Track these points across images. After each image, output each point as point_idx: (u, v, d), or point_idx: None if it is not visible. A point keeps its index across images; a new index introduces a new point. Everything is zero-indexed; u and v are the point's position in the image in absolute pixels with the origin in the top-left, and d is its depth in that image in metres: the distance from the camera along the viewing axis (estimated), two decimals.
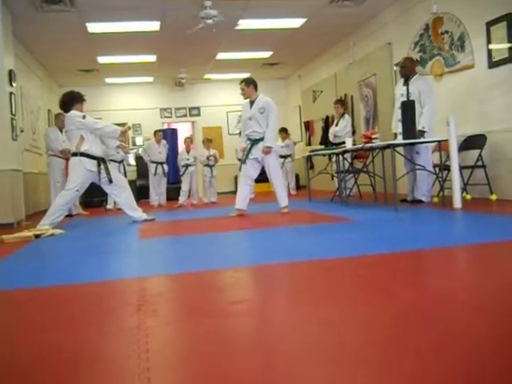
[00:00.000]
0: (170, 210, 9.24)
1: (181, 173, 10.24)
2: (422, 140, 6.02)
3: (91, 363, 1.64)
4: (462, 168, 6.08)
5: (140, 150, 13.70)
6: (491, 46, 6.40)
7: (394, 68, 8.46)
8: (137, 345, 1.75)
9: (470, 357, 1.49)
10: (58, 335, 1.96)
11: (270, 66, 12.60)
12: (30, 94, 9.84)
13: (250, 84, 6.59)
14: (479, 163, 6.25)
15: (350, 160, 8.05)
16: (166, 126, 14.18)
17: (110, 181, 6.35)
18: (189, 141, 10.49)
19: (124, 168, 9.54)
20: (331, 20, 9.17)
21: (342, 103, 9.29)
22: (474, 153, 6.37)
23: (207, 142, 10.41)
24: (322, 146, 9.54)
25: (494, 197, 6.14)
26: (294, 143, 11.85)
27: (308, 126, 13.19)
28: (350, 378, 1.40)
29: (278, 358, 1.58)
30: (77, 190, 6.23)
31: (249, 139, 6.63)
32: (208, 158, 10.21)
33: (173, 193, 10.94)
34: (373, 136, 6.59)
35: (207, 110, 14.48)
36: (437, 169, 6.38)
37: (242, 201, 6.63)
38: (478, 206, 5.73)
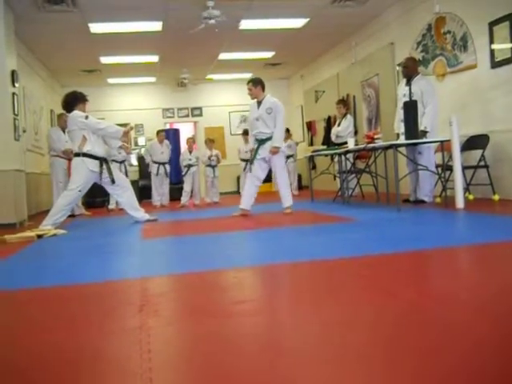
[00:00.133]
0: (172, 210, 9.24)
1: (183, 173, 10.25)
2: (424, 140, 6.01)
3: (93, 363, 1.64)
4: (464, 168, 6.07)
5: (142, 150, 13.73)
6: (494, 46, 6.39)
7: (397, 68, 8.45)
8: (139, 345, 1.75)
9: (471, 357, 1.48)
10: (60, 335, 1.96)
11: (272, 66, 12.60)
12: (33, 94, 9.85)
13: (257, 84, 6.57)
14: (482, 163, 6.24)
15: (352, 160, 8.04)
16: (168, 127, 14.19)
17: (113, 181, 6.35)
18: (191, 141, 10.50)
19: (125, 168, 9.54)
20: (333, 20, 9.17)
21: (345, 103, 9.28)
22: (477, 153, 6.36)
23: (209, 143, 10.42)
24: (324, 147, 9.54)
25: (496, 197, 6.13)
26: (296, 143, 11.86)
27: (310, 126, 13.19)
28: (352, 377, 1.40)
29: (280, 358, 1.58)
30: (79, 191, 6.23)
31: (255, 139, 6.63)
32: (210, 158, 10.22)
33: (175, 193, 10.94)
34: (375, 136, 6.58)
35: (209, 111, 14.49)
36: (439, 169, 6.37)
37: (246, 201, 6.64)
38: (481, 207, 5.72)
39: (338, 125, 9.02)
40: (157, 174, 10.26)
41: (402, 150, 6.45)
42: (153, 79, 13.42)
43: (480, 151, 6.29)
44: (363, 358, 1.53)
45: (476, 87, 6.78)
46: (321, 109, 12.31)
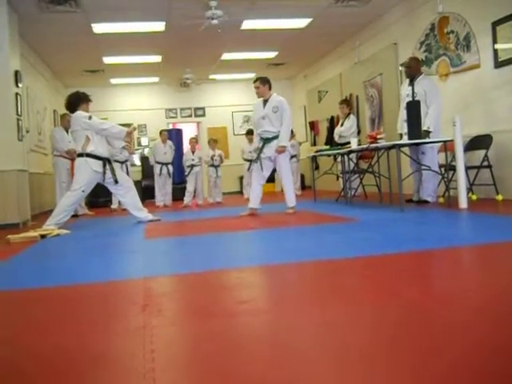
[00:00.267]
0: (175, 210, 9.25)
1: (186, 173, 10.25)
2: (427, 140, 6.01)
3: (96, 363, 1.64)
4: (467, 168, 6.06)
5: (145, 150, 13.76)
6: (497, 46, 6.38)
7: (400, 68, 8.44)
8: (142, 345, 1.75)
9: (473, 357, 1.48)
10: (63, 335, 1.96)
11: (275, 66, 12.60)
12: (36, 94, 9.87)
13: (265, 83, 6.57)
14: (485, 163, 6.23)
15: (355, 160, 8.04)
16: (171, 127, 14.20)
17: (116, 181, 6.36)
18: (194, 141, 10.51)
19: (127, 168, 9.54)
20: (337, 20, 9.16)
21: (348, 103, 9.28)
22: (480, 153, 6.35)
23: (212, 143, 10.42)
24: (327, 147, 9.53)
25: (500, 197, 6.12)
26: (300, 143, 11.85)
27: (313, 126, 13.18)
28: (355, 377, 1.40)
29: (283, 358, 1.58)
30: (82, 191, 6.24)
31: (261, 138, 6.62)
32: (213, 158, 10.22)
33: (178, 193, 10.95)
34: (378, 136, 6.57)
35: (212, 111, 14.49)
36: (442, 169, 6.36)
37: (255, 200, 6.64)
38: (484, 207, 5.71)
39: (341, 125, 9.01)
40: (160, 174, 10.27)
41: (405, 150, 6.44)
42: (156, 79, 13.44)
43: (483, 151, 6.28)
44: (366, 357, 1.53)
45: (479, 87, 6.77)
46: (324, 109, 12.31)
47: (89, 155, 6.19)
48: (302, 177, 12.70)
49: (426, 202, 6.40)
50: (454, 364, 1.42)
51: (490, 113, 6.59)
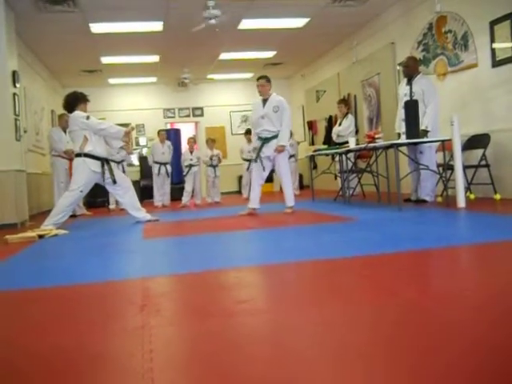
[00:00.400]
0: (173, 210, 9.24)
1: (184, 173, 10.25)
2: (425, 139, 6.01)
3: (94, 363, 1.64)
4: (465, 167, 6.07)
5: (144, 150, 13.75)
6: (495, 45, 6.39)
7: (398, 67, 8.45)
8: (140, 345, 1.75)
9: (471, 356, 1.48)
10: (61, 335, 1.96)
11: (273, 65, 12.60)
12: (34, 94, 9.86)
13: (269, 82, 6.60)
14: (483, 162, 6.24)
15: (353, 160, 8.04)
16: (169, 127, 14.20)
17: (114, 181, 6.35)
18: (192, 141, 10.51)
19: (123, 168, 9.50)
20: (334, 19, 9.17)
21: (346, 103, 9.28)
22: (478, 152, 6.36)
23: (211, 142, 10.42)
24: (326, 146, 9.53)
25: (498, 196, 6.13)
26: (298, 143, 11.85)
27: (311, 125, 13.19)
28: (353, 376, 1.40)
29: (281, 358, 1.58)
30: (81, 191, 6.23)
31: (259, 138, 6.61)
32: (211, 158, 10.22)
33: (176, 193, 10.94)
34: (376, 136, 6.58)
35: (210, 110, 14.49)
36: (440, 168, 6.36)
37: (255, 200, 6.64)
38: (482, 206, 5.72)
39: (339, 124, 9.02)
40: (158, 174, 10.27)
41: (403, 149, 6.44)
42: (154, 79, 13.43)
43: (481, 150, 6.28)
44: (364, 357, 1.53)
45: (477, 86, 6.77)
46: (322, 108, 12.31)
47: (87, 155, 6.18)
48: (301, 176, 12.69)
49: (424, 201, 6.40)
50: (452, 363, 1.42)
51: (488, 112, 6.60)
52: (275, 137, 6.51)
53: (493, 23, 6.37)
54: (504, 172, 6.29)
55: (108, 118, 11.42)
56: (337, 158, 8.37)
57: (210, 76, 13.52)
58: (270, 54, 11.64)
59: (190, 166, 10.13)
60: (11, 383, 1.53)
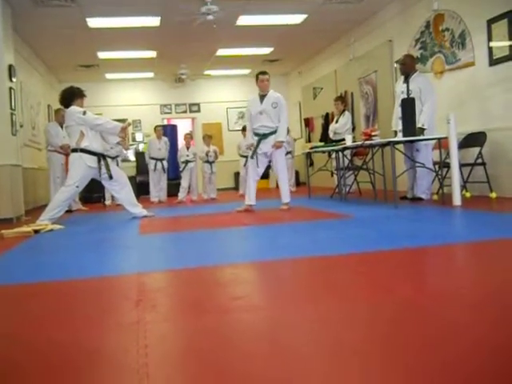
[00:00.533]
0: (169, 206, 9.24)
1: (180, 169, 10.24)
2: (422, 137, 6.02)
3: (90, 358, 1.64)
4: (461, 166, 6.07)
5: (140, 145, 13.73)
6: (492, 44, 6.40)
7: (395, 65, 8.45)
8: (136, 340, 1.75)
9: (467, 354, 1.49)
10: (58, 330, 1.96)
11: (270, 62, 12.59)
12: (30, 89, 9.83)
13: (269, 78, 6.62)
14: (479, 161, 6.25)
15: (349, 157, 8.05)
16: (165, 122, 14.17)
17: (110, 177, 6.34)
18: (188, 137, 10.49)
19: (117, 164, 9.45)
20: (332, 16, 9.16)
21: (342, 100, 9.28)
22: (474, 150, 6.37)
23: (207, 139, 10.41)
24: (322, 143, 9.53)
25: (493, 195, 6.14)
26: (294, 140, 11.85)
27: (308, 122, 13.19)
28: (348, 373, 1.40)
29: (277, 354, 1.58)
30: (77, 186, 6.22)
31: (256, 134, 6.61)
32: (207, 154, 10.21)
33: (173, 189, 10.93)
34: (372, 133, 6.58)
35: (207, 106, 14.47)
36: (437, 166, 6.37)
37: (252, 196, 6.64)
38: (478, 204, 5.73)
39: (336, 121, 9.02)
40: (154, 169, 10.25)
41: (400, 147, 6.45)
42: (151, 75, 13.40)
43: (477, 149, 6.30)
44: (359, 354, 1.54)
45: (474, 85, 6.78)
46: (319, 105, 12.31)
47: (83, 150, 6.17)
48: (297, 173, 12.71)
49: (420, 199, 6.41)
50: (448, 361, 1.43)
51: (485, 110, 6.61)
52: (273, 133, 6.52)
53: (490, 22, 6.37)
54: (500, 170, 6.30)
55: (105, 113, 11.38)
56: (333, 155, 8.37)
57: (207, 72, 13.50)
58: (267, 51, 11.62)
59: (187, 161, 10.13)
60: (8, 378, 1.53)
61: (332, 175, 9.29)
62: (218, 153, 10.50)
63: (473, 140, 6.48)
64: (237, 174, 12.01)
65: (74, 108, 6.24)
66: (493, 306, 1.96)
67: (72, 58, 11.04)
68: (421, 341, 1.60)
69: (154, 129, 10.66)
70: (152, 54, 11.10)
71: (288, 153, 10.88)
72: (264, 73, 6.65)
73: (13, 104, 7.30)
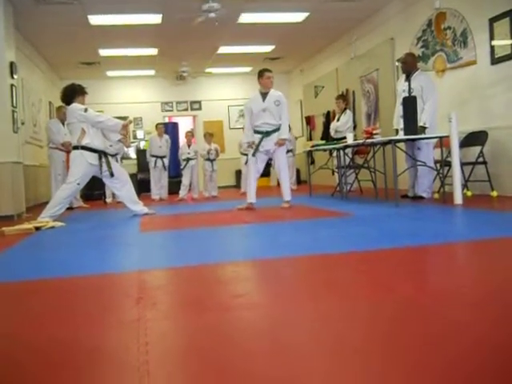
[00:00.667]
0: (170, 203, 9.24)
1: (182, 167, 10.24)
2: (423, 136, 6.01)
3: (90, 355, 1.64)
4: (463, 164, 6.07)
5: (141, 143, 13.73)
6: (494, 42, 6.38)
7: (396, 63, 8.43)
8: (136, 338, 1.75)
9: (468, 353, 1.49)
10: (59, 327, 1.96)
11: (271, 60, 12.57)
12: (32, 86, 9.83)
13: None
14: (480, 160, 6.25)
15: (350, 155, 8.04)
16: (167, 120, 14.17)
17: (112, 174, 6.34)
18: (190, 135, 10.49)
19: (117, 161, 9.43)
20: (333, 14, 9.14)
21: (344, 98, 9.28)
22: (476, 149, 6.36)
23: (208, 136, 10.40)
24: (323, 141, 9.53)
25: (494, 193, 6.14)
26: (295, 138, 11.84)
27: (309, 120, 13.17)
28: (349, 372, 1.40)
29: (278, 352, 1.58)
30: (78, 184, 6.23)
31: (258, 132, 6.60)
32: (209, 152, 10.21)
33: (174, 186, 10.94)
34: (374, 131, 6.58)
35: (208, 104, 14.46)
36: (438, 165, 6.37)
37: (253, 194, 6.64)
38: (479, 203, 5.73)
39: (337, 120, 9.01)
40: (154, 167, 10.26)
41: (401, 145, 6.44)
42: (152, 72, 13.39)
43: (479, 148, 6.29)
44: (360, 352, 1.53)
45: (475, 83, 6.77)
46: (320, 104, 12.30)
47: (84, 148, 6.17)
48: (298, 171, 12.70)
49: (421, 197, 6.40)
50: (449, 359, 1.43)
51: (486, 109, 6.60)
52: (276, 130, 6.53)
53: (492, 20, 6.36)
54: (501, 169, 6.30)
55: (106, 110, 11.39)
56: (334, 154, 8.36)
57: (208, 70, 13.49)
58: (268, 49, 11.61)
59: (188, 159, 10.12)
60: (9, 375, 1.53)
61: (333, 173, 9.29)
62: (219, 151, 10.49)
63: (474, 139, 6.48)
64: (238, 172, 12.00)
65: (75, 105, 6.24)
66: (494, 305, 1.95)
67: (73, 56, 11.04)
68: (422, 339, 1.60)
69: (155, 126, 10.67)
70: (153, 51, 11.09)
71: (289, 151, 10.87)
72: (269, 70, 6.66)
73: (14, 101, 7.31)
